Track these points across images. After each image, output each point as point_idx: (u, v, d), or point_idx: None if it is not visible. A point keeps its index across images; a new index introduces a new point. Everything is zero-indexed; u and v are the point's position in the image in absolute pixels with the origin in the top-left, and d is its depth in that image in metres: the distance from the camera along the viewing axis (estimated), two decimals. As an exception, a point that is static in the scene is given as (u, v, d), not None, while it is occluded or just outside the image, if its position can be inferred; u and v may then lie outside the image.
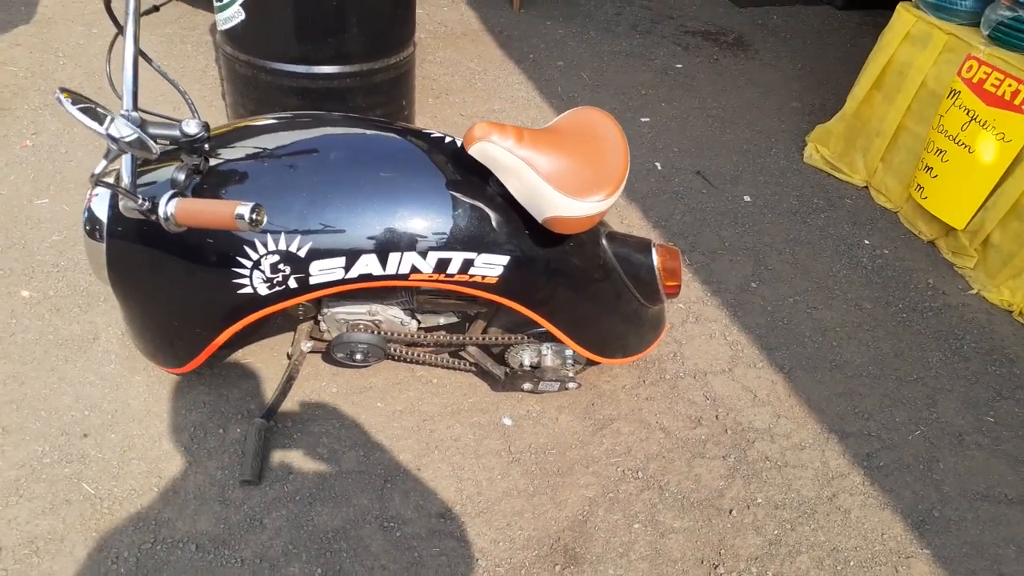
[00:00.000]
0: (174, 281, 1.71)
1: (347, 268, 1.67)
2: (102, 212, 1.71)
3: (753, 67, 4.46)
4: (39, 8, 3.94)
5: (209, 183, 1.62)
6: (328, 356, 2.13)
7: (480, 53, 4.21)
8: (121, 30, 1.59)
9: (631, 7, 5.03)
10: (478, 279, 1.75)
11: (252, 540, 1.75)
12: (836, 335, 2.58)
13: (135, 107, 1.54)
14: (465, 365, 2.15)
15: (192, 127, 1.53)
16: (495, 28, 4.51)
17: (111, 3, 1.59)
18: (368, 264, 1.67)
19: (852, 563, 1.87)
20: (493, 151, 1.62)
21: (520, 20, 4.64)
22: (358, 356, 1.97)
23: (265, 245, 1.62)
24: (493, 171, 1.67)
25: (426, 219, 1.67)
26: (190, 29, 3.99)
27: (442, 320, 2.10)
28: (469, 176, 1.73)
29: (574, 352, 2.05)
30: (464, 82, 3.90)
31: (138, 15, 1.57)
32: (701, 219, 3.09)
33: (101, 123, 1.38)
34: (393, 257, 1.67)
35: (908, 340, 2.60)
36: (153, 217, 1.39)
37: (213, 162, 1.64)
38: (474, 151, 1.63)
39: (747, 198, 3.28)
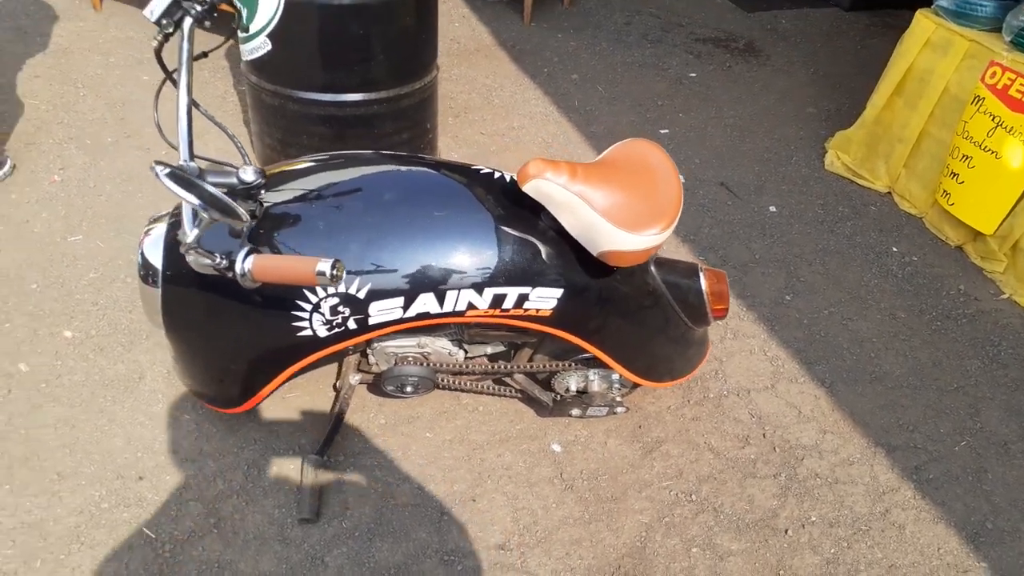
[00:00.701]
0: (232, 325, 1.72)
1: (405, 307, 1.67)
2: (156, 258, 1.72)
3: (766, 73, 4.47)
4: (53, 38, 3.94)
5: (264, 228, 1.63)
6: (374, 387, 2.14)
7: (494, 69, 4.22)
8: (170, 77, 1.60)
9: (640, 16, 5.04)
10: (532, 312, 1.76)
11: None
12: (873, 346, 2.59)
13: (192, 156, 1.54)
14: (511, 392, 2.15)
15: (249, 174, 1.54)
16: (507, 43, 4.52)
17: (161, 50, 1.59)
18: (426, 303, 1.68)
19: (911, 580, 1.88)
20: (547, 188, 1.63)
21: (531, 34, 4.65)
22: (409, 388, 1.98)
23: (325, 288, 1.63)
24: (547, 207, 1.68)
25: (481, 256, 1.67)
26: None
27: (489, 349, 2.11)
28: (521, 211, 1.74)
29: (620, 376, 2.06)
30: (482, 99, 3.90)
31: (191, 63, 1.57)
32: (729, 231, 3.09)
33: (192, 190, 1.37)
34: (450, 295, 1.68)
35: (945, 348, 2.61)
36: (230, 275, 1.39)
37: (266, 206, 1.65)
38: (528, 188, 1.64)
39: (772, 208, 3.29)
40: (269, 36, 2.72)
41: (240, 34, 2.84)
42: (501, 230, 1.70)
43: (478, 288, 1.69)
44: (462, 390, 2.09)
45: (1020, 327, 2.74)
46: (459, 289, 1.68)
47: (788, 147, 3.77)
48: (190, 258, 1.45)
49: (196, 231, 1.41)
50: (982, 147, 2.94)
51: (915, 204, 3.36)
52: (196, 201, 1.32)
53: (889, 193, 3.48)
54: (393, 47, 2.81)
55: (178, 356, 1.91)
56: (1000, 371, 2.54)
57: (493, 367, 2.02)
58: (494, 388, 2.11)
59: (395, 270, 1.64)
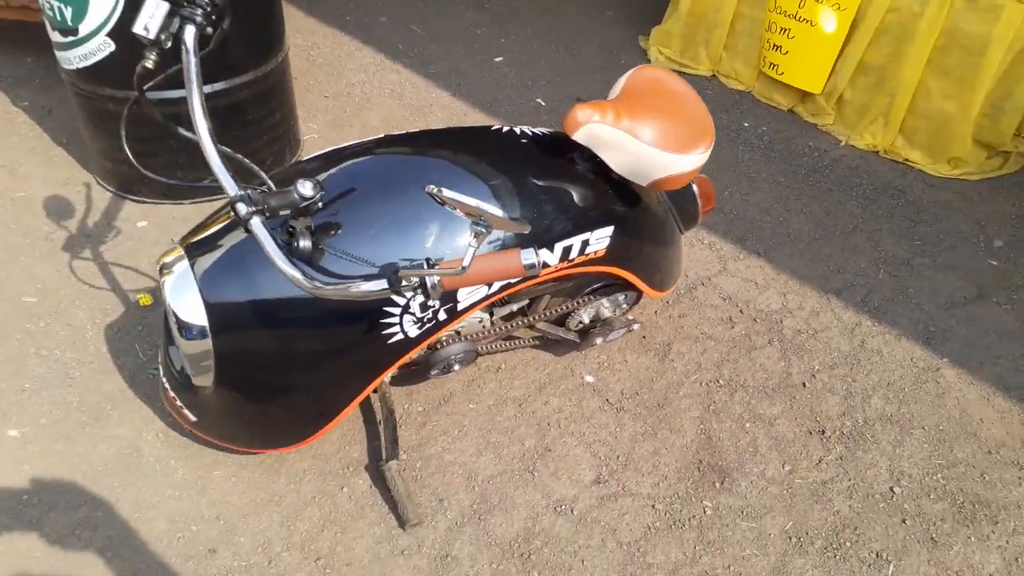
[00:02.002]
0: (310, 354, 1.58)
1: (490, 283, 1.63)
2: (191, 312, 1.51)
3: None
4: None
5: (325, 237, 1.50)
6: (394, 379, 2.07)
7: (295, 26, 3.96)
8: (166, 124, 1.41)
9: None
10: (592, 256, 1.80)
11: (452, 574, 1.73)
12: (777, 211, 2.93)
13: (239, 185, 1.38)
14: (538, 342, 2.18)
15: (308, 189, 1.40)
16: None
17: (148, 74, 1.38)
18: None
19: (907, 389, 2.24)
20: (598, 130, 1.65)
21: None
22: (456, 367, 1.95)
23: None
24: (595, 149, 1.70)
25: (545, 213, 1.67)
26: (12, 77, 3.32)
27: (515, 308, 2.11)
28: (564, 161, 1.75)
29: (624, 297, 2.17)
30: (304, 62, 3.68)
31: (200, 82, 1.38)
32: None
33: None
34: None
35: (826, 199, 3.03)
36: (411, 294, 1.27)
37: (319, 214, 1.51)
38: (579, 135, 1.65)
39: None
40: (110, 35, 2.35)
41: (60, 39, 2.43)
42: (555, 183, 1.71)
43: (549, 245, 1.69)
44: (497, 352, 2.08)
45: (866, 165, 3.24)
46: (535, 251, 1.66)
47: (612, 52, 3.99)
48: (365, 289, 1.29)
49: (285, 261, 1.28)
50: (797, 18, 3.34)
51: (742, 80, 3.75)
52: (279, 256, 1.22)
53: (714, 76, 3.85)
54: (250, 23, 2.57)
55: (224, 411, 1.71)
56: (872, 205, 3.01)
57: (520, 322, 2.03)
58: (524, 342, 2.13)
59: (460, 247, 1.59)
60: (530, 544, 1.80)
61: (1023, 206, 3.06)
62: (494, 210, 1.08)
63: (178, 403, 1.78)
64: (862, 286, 2.60)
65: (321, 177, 1.59)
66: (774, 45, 3.47)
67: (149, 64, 1.35)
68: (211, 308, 1.50)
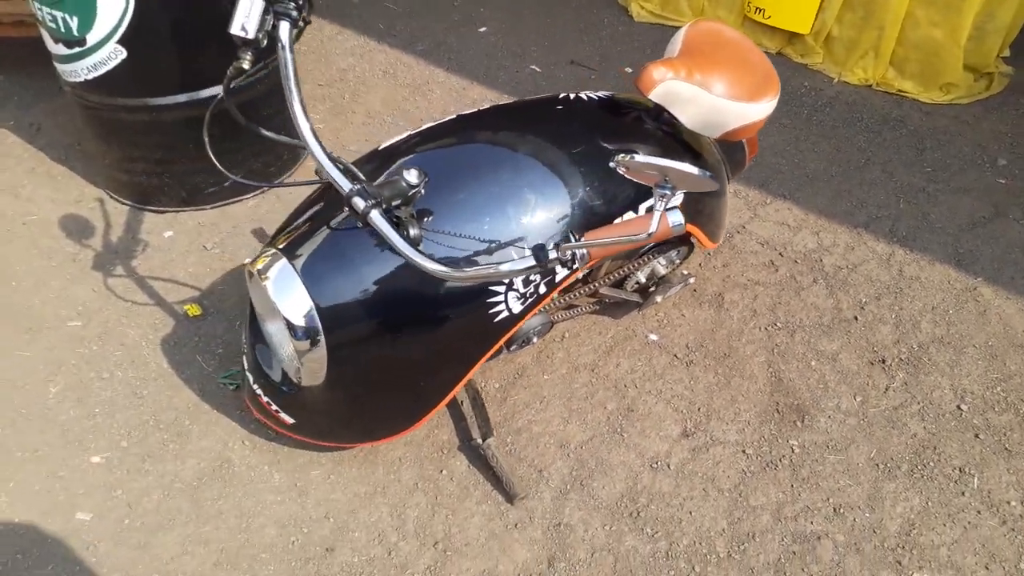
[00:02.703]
0: (422, 338, 1.58)
1: (557, 247, 1.65)
2: (301, 312, 1.50)
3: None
4: None
5: (424, 219, 1.50)
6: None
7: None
8: (248, 126, 1.40)
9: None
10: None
11: (573, 543, 1.76)
12: (791, 153, 3.00)
13: (355, 178, 1.37)
14: (593, 306, 2.21)
15: (414, 176, 1.39)
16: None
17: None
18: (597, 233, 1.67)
19: (951, 310, 2.34)
20: (674, 87, 1.67)
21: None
22: (534, 339, 1.97)
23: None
24: (669, 106, 1.72)
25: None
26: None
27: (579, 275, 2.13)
28: (636, 123, 1.76)
29: (675, 253, 2.20)
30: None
31: (299, 79, 1.36)
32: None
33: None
34: (616, 220, 1.68)
35: (833, 135, 3.10)
36: (565, 266, 1.27)
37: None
38: (656, 94, 1.67)
39: (628, 69, 3.52)
40: (121, 42, 2.27)
41: (63, 51, 2.34)
42: (635, 145, 1.72)
43: (635, 207, 1.71)
44: (564, 320, 2.11)
45: (862, 99, 3.32)
46: (622, 215, 1.69)
47: (591, 12, 3.98)
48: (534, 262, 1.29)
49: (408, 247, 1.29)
50: (781, -39, 3.37)
51: (727, 28, 3.78)
52: (404, 245, 1.26)
53: (698, 26, 3.87)
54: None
55: (332, 408, 1.70)
56: (877, 137, 3.09)
57: (584, 290, 2.05)
58: (586, 308, 2.15)
59: (563, 217, 1.60)
60: (636, 502, 1.85)
61: (1016, 124, 3.18)
62: (683, 167, 1.09)
63: (273, 408, 1.77)
64: (887, 217, 2.69)
65: (408, 163, 1.58)
66: (759, -10, 3.51)
67: (246, 65, 1.32)
68: (321, 306, 1.49)
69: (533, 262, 1.26)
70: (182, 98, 2.41)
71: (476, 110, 1.78)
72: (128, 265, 2.44)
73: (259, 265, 1.57)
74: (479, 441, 1.88)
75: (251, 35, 1.28)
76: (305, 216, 1.63)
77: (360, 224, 1.36)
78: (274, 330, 1.64)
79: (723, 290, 2.39)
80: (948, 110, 3.26)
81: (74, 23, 2.23)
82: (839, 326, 2.29)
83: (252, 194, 2.72)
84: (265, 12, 1.30)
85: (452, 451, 1.94)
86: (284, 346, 1.62)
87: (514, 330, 1.66)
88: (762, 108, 1.76)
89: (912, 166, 2.93)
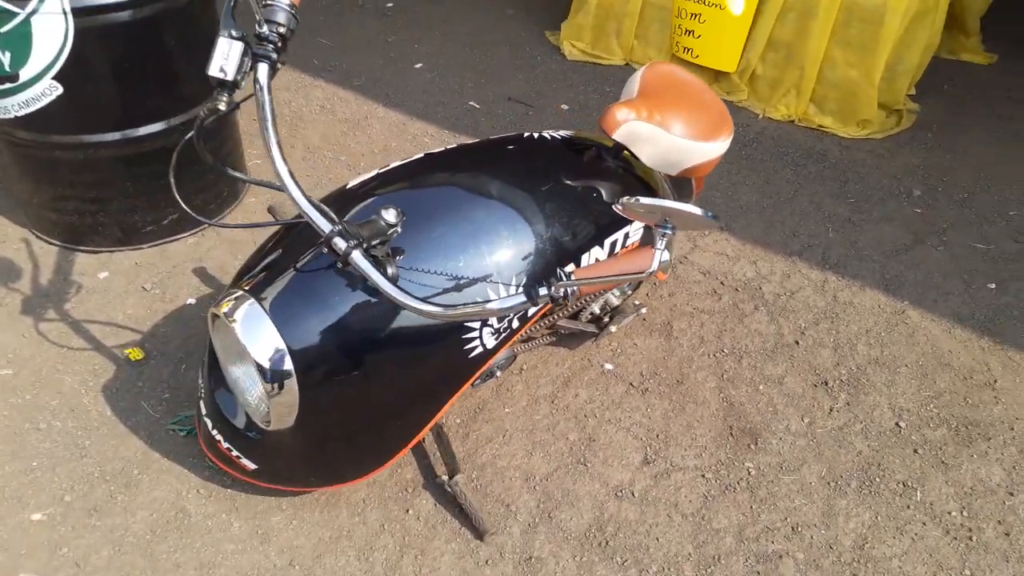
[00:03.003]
0: (397, 376, 1.57)
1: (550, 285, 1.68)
2: (271, 354, 1.47)
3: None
4: None
5: (404, 259, 1.50)
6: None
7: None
8: (215, 166, 1.41)
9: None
10: (633, 247, 1.88)
11: (540, 574, 1.77)
12: (724, 186, 3.13)
13: (336, 220, 1.36)
14: (550, 338, 2.23)
15: (391, 215, 1.40)
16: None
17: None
18: (572, 266, 1.70)
19: (883, 333, 2.47)
20: (636, 127, 1.73)
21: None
22: (498, 372, 1.98)
23: (492, 298, 1.57)
24: (631, 145, 1.78)
25: (595, 212, 1.74)
26: None
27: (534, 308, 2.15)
28: (596, 160, 1.81)
29: (627, 284, 2.27)
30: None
31: (276, 120, 1.35)
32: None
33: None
34: (586, 258, 1.72)
35: (761, 168, 3.25)
36: (554, 302, 1.28)
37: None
38: (619, 134, 1.72)
39: (564, 106, 3.61)
40: (57, 78, 2.20)
41: (-7, 87, 2.25)
42: (599, 182, 1.77)
43: (600, 242, 1.75)
44: (525, 351, 2.13)
45: (786, 134, 3.50)
46: (589, 249, 1.73)
47: (524, 50, 4.07)
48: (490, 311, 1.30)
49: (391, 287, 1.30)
50: (706, 3, 3.55)
51: (655, 66, 3.93)
52: (387, 284, 1.28)
53: (628, 64, 4.02)
54: (198, 54, 2.45)
55: (300, 451, 1.66)
56: (803, 170, 3.26)
57: (544, 322, 2.07)
58: (543, 340, 2.18)
59: (535, 253, 1.63)
60: (604, 532, 1.87)
61: (926, 157, 3.41)
62: (687, 208, 1.13)
63: (234, 454, 1.72)
64: (818, 245, 2.83)
65: (382, 202, 1.58)
66: (686, 30, 3.67)
67: (222, 106, 1.30)
68: (292, 347, 1.46)
69: (524, 299, 1.28)
70: (119, 135, 2.34)
71: (443, 149, 1.79)
72: (61, 309, 2.33)
73: (224, 308, 1.54)
74: (446, 479, 1.86)
75: (230, 77, 1.27)
76: (270, 257, 1.60)
77: (340, 264, 1.36)
78: (241, 374, 1.59)
79: (671, 319, 2.46)
80: (864, 144, 3.47)
81: (6, 58, 2.15)
82: (782, 351, 2.38)
83: (191, 232, 2.65)
84: (244, 54, 1.29)
85: (417, 489, 1.92)
86: (252, 390, 1.58)
87: (488, 363, 1.66)
88: (718, 147, 1.84)
89: (837, 197, 3.10)
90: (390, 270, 1.39)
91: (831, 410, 2.21)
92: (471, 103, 3.58)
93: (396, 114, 3.45)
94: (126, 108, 2.30)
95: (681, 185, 2.19)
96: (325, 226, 1.34)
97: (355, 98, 3.52)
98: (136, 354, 2.19)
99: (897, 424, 2.18)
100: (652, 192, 1.94)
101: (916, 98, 3.71)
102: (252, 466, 1.72)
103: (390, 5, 4.41)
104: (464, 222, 1.55)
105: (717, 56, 3.64)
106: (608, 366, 2.28)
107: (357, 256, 1.32)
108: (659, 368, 2.29)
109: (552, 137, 1.85)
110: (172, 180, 1.48)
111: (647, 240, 1.94)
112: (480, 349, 1.61)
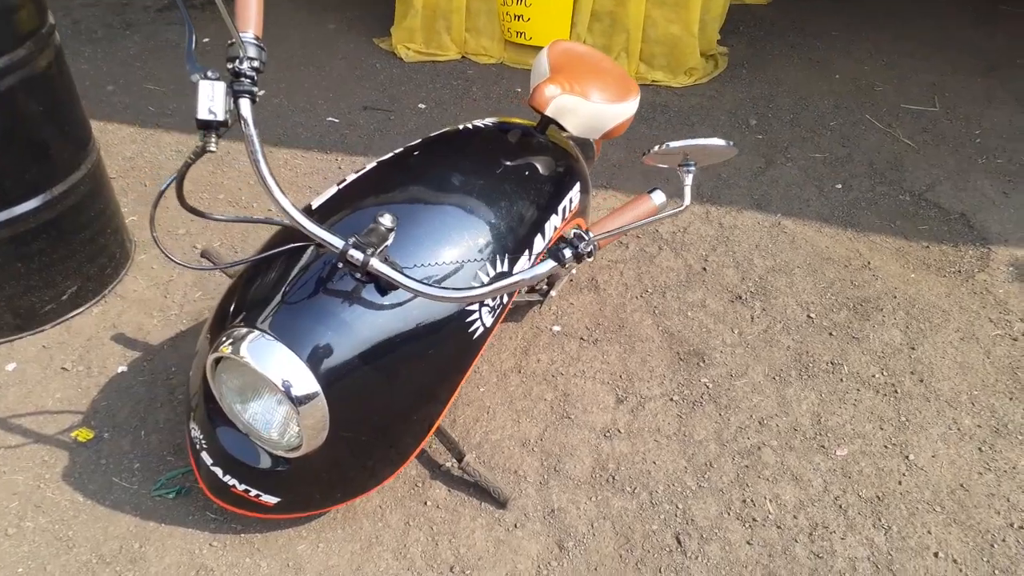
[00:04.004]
0: (413, 370, 1.63)
1: (529, 256, 1.81)
2: (294, 379, 1.49)
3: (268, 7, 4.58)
4: None
5: (397, 252, 1.57)
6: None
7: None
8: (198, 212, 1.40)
9: (91, 8, 4.53)
10: (574, 210, 2.04)
11: (572, 522, 1.89)
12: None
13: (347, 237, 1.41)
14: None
15: (388, 220, 1.47)
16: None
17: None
18: (537, 244, 1.83)
19: (770, 244, 2.80)
20: (563, 101, 1.88)
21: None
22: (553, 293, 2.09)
23: (488, 280, 1.67)
24: (558, 118, 1.93)
25: (547, 183, 1.88)
26: None
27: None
28: (532, 138, 1.96)
29: None
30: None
31: (264, 149, 1.38)
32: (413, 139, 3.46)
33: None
34: (547, 226, 1.86)
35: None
36: (579, 261, 1.38)
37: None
38: (551, 109, 1.87)
39: (422, 105, 3.71)
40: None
41: None
42: (538, 158, 1.91)
43: (555, 209, 1.90)
44: None
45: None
46: (550, 217, 1.87)
47: (360, 59, 4.11)
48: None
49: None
50: (530, -13, 3.77)
51: (492, 55, 4.12)
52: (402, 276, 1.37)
53: (464, 57, 4.17)
54: (63, 120, 2.29)
55: (329, 469, 1.68)
56: (654, 122, 3.57)
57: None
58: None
59: (513, 228, 1.75)
60: (607, 470, 2.02)
61: (748, 91, 3.84)
62: (707, 142, 1.28)
63: (252, 493, 1.70)
64: (726, 184, 3.13)
65: (353, 209, 1.63)
66: (515, 16, 3.87)
67: (213, 147, 1.32)
68: (312, 364, 1.49)
69: (553, 263, 1.38)
70: (1, 216, 2.18)
71: (393, 154, 1.85)
72: (-22, 410, 2.14)
73: (227, 349, 1.52)
74: (455, 463, 1.94)
75: (221, 116, 1.29)
76: (251, 290, 1.61)
77: (360, 276, 1.42)
78: (258, 410, 1.58)
79: (594, 274, 2.65)
80: (695, 90, 3.84)
81: None
82: (695, 279, 2.64)
83: (93, 301, 2.50)
84: (226, 92, 1.31)
85: (427, 482, 1.98)
86: (273, 422, 1.58)
87: (488, 341, 1.76)
88: (631, 106, 2.03)
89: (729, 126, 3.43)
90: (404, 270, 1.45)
91: (752, 318, 2.49)
92: (329, 119, 3.58)
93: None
94: (1, 187, 2.14)
95: (585, 148, 2.38)
96: (338, 242, 1.38)
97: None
98: (84, 435, 2.07)
99: (808, 316, 2.50)
100: (574, 157, 2.10)
101: (722, 42, 4.14)
102: (274, 501, 1.71)
103: (207, 40, 4.28)
104: (445, 214, 1.64)
105: (549, 34, 3.88)
106: (556, 328, 2.44)
107: (376, 263, 1.37)
108: (599, 319, 2.47)
109: (486, 125, 1.97)
110: (156, 237, 1.46)
111: (584, 203, 2.11)
112: (481, 328, 1.70)
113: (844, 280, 2.63)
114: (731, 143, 1.32)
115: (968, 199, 3.03)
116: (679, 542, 1.87)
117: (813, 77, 3.94)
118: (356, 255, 1.37)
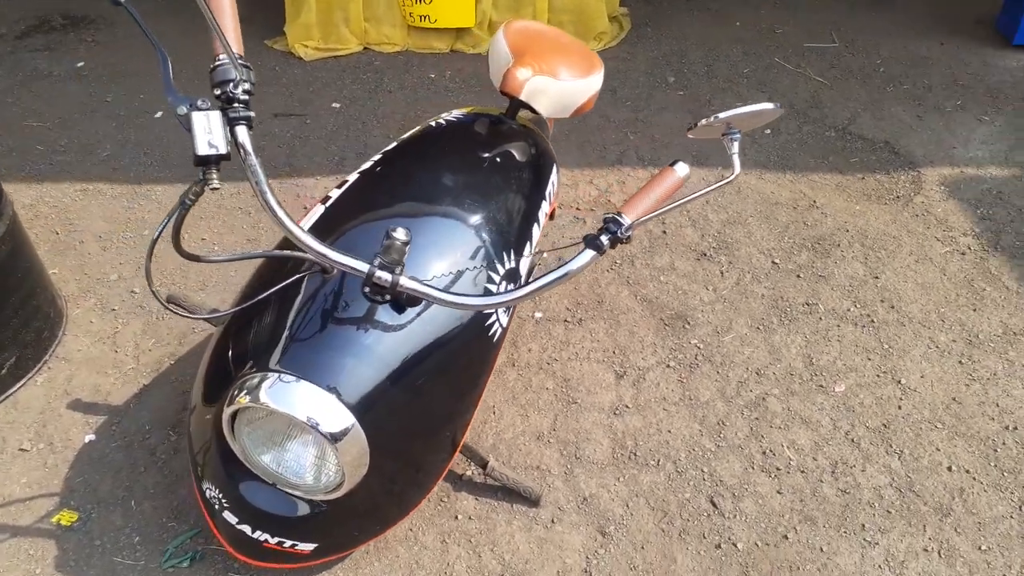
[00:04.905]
0: (441, 382, 1.57)
1: (530, 247, 1.76)
2: (330, 417, 1.40)
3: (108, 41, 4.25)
4: None
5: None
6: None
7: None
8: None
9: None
10: (556, 192, 2.00)
11: (607, 506, 1.89)
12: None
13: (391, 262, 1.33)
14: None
15: (402, 233, 1.38)
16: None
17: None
18: (535, 232, 1.79)
19: (720, 199, 2.86)
20: (535, 83, 1.83)
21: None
22: None
23: (499, 279, 1.62)
24: (531, 100, 1.88)
25: (533, 172, 1.84)
26: None
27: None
28: (509, 127, 1.90)
29: None
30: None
31: (283, 206, 1.28)
32: (333, 140, 3.32)
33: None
34: (540, 213, 1.82)
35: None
36: (614, 246, 1.33)
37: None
38: (524, 93, 1.81)
39: (335, 104, 3.57)
40: None
41: None
42: (518, 145, 1.86)
43: (544, 195, 1.85)
44: None
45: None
46: (541, 204, 1.82)
47: (260, 63, 3.90)
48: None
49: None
50: (428, -30, 3.66)
51: (396, 42, 3.99)
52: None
53: (365, 49, 4.02)
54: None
55: (372, 499, 1.59)
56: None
57: None
58: None
59: (512, 221, 1.70)
60: (626, 448, 2.02)
61: (658, 49, 3.88)
62: (747, 109, 1.25)
63: (287, 545, 1.61)
64: (628, 149, 3.15)
65: (350, 228, 1.55)
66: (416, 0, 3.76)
67: (216, 184, 1.20)
68: (341, 394, 1.40)
69: (593, 252, 1.33)
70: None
71: (373, 163, 1.76)
72: (-64, 513, 1.92)
73: (245, 401, 1.41)
74: (481, 470, 1.89)
75: (223, 149, 1.17)
76: (252, 332, 1.50)
77: (380, 296, 1.34)
78: (291, 455, 1.48)
79: (560, 255, 2.63)
80: (608, 54, 3.85)
81: None
82: (658, 243, 2.66)
83: (36, 369, 2.29)
84: (223, 122, 1.19)
85: (452, 496, 1.92)
86: (306, 465, 1.48)
87: (504, 341, 1.71)
88: (596, 79, 2.00)
89: (617, 106, 3.44)
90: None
91: (722, 273, 2.54)
92: (273, 131, 3.39)
93: (176, 170, 3.17)
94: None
95: (543, 127, 2.34)
96: (362, 266, 1.30)
97: (113, 171, 3.16)
98: (68, 517, 1.90)
99: (773, 262, 2.56)
100: (545, 140, 2.06)
101: (622, 3, 4.16)
102: (310, 548, 1.61)
103: (80, 64, 3.95)
104: (446, 218, 1.58)
105: (454, 15, 3.79)
106: (538, 315, 2.40)
107: (405, 281, 1.30)
108: (578, 298, 2.46)
109: (459, 119, 1.90)
110: (154, 290, 1.33)
111: (557, 184, 2.08)
112: (500, 329, 1.65)
113: (797, 222, 2.72)
114: (778, 104, 1.31)
115: (888, 127, 3.18)
116: (714, 504, 1.89)
117: (716, 27, 4.02)
118: (384, 276, 1.29)
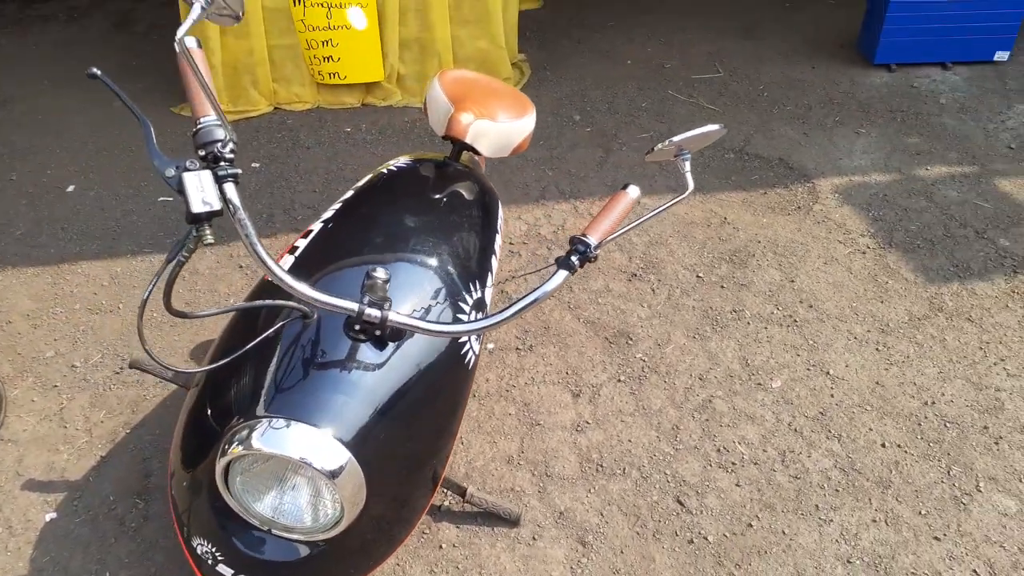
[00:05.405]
0: (425, 412, 1.64)
1: (491, 276, 1.87)
2: (326, 455, 1.46)
3: (3, 119, 4.17)
4: None
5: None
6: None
7: None
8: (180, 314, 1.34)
9: None
10: (503, 225, 2.12)
11: (583, 518, 1.98)
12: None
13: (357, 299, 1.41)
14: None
15: (382, 272, 1.48)
16: None
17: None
18: (493, 263, 1.90)
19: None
20: (477, 126, 1.96)
21: None
22: None
23: (468, 308, 1.71)
24: (474, 142, 2.00)
25: (483, 209, 1.96)
26: None
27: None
28: (459, 169, 2.02)
29: None
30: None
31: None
32: (259, 195, 3.36)
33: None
34: (496, 246, 1.93)
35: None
36: (583, 265, 1.44)
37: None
38: (470, 136, 1.94)
39: (255, 165, 3.60)
40: None
41: None
42: (466, 185, 1.97)
43: (496, 228, 1.97)
44: None
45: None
46: (495, 237, 1.94)
47: (167, 131, 3.88)
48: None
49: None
50: (332, 28, 3.77)
51: (306, 100, 4.06)
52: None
53: (276, 109, 4.07)
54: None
55: (373, 527, 1.63)
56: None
57: None
58: None
59: (472, 255, 1.80)
60: (592, 460, 2.14)
61: (560, 90, 4.09)
62: (695, 132, 1.40)
63: (289, 591, 1.63)
64: (549, 186, 3.32)
65: (324, 274, 1.61)
66: (323, 58, 3.85)
67: (211, 239, 1.26)
68: (333, 431, 1.45)
69: (566, 273, 1.44)
70: None
71: (334, 212, 1.83)
72: None
73: (238, 451, 1.44)
74: (461, 499, 1.95)
75: (217, 206, 1.23)
76: (232, 388, 1.53)
77: (378, 333, 1.41)
78: (288, 499, 1.51)
79: (503, 288, 2.75)
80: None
81: None
82: (590, 269, 2.82)
83: (-22, 456, 2.20)
84: (212, 181, 1.26)
85: (432, 527, 1.98)
86: (303, 506, 1.52)
87: (475, 373, 1.80)
88: (530, 120, 2.14)
89: (532, 145, 3.59)
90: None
91: (653, 291, 2.71)
92: (161, 199, 3.36)
93: (97, 242, 3.11)
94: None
95: (475, 166, 2.47)
96: (352, 305, 1.37)
97: (32, 249, 3.08)
98: (38, 601, 1.84)
99: (697, 276, 2.76)
100: (486, 178, 2.19)
101: (519, 50, 4.38)
102: (312, 590, 1.64)
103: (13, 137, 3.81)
104: (414, 257, 1.66)
105: (363, 71, 3.90)
106: (490, 346, 2.50)
107: (394, 315, 1.38)
108: (526, 327, 2.58)
109: (409, 165, 1.99)
110: (146, 345, 1.35)
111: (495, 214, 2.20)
112: (473, 356, 1.74)
113: (712, 238, 2.94)
114: (722, 125, 1.47)
115: (779, 145, 3.48)
116: (681, 503, 2.02)
117: (610, 67, 4.28)
118: (373, 313, 1.36)
